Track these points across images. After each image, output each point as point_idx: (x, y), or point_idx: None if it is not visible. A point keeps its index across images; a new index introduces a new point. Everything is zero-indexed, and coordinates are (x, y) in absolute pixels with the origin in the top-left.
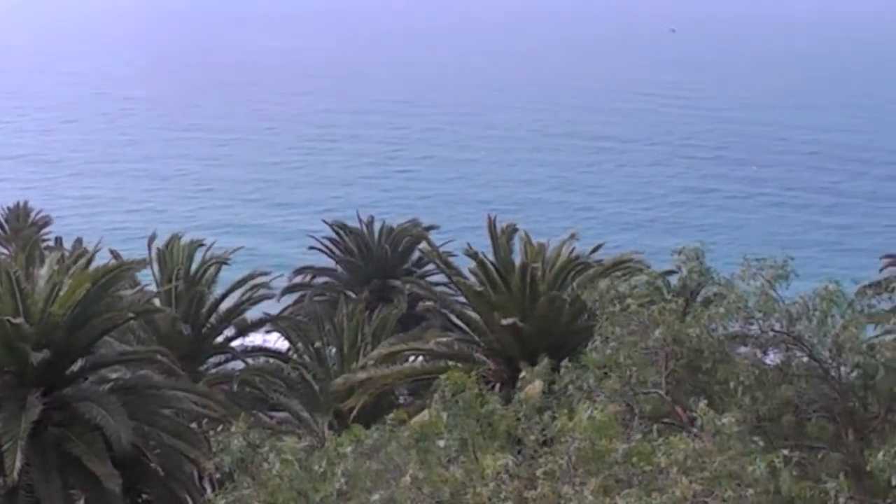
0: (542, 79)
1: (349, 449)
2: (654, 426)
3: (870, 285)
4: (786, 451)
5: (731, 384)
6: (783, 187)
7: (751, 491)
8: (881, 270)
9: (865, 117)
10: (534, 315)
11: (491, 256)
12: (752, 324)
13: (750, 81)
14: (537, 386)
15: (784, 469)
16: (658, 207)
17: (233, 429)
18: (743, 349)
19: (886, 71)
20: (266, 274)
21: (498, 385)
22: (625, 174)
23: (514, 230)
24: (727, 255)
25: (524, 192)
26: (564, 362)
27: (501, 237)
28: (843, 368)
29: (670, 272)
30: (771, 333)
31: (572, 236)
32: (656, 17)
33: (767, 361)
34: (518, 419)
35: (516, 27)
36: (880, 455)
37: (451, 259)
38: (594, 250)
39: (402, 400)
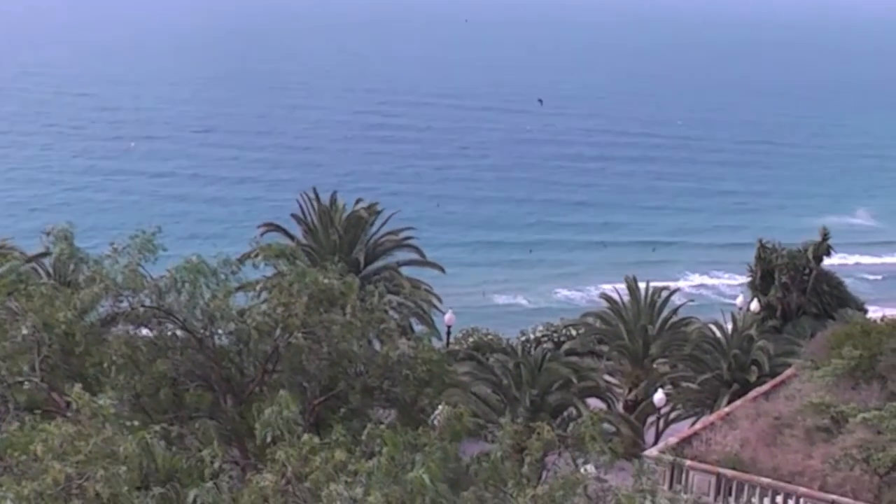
0: None
1: None
2: (29, 416)
3: (244, 256)
4: (161, 426)
5: (105, 364)
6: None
7: (124, 468)
8: (260, 237)
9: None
10: None
11: None
12: (122, 301)
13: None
14: None
15: (156, 443)
16: (39, 188)
17: None
18: (118, 328)
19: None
20: None
21: None
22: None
23: None
24: (108, 231)
25: None
26: None
27: None
28: (216, 337)
29: (45, 254)
30: (142, 309)
31: None
32: None
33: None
34: None
35: None
36: (267, 412)
37: None
38: None
39: None
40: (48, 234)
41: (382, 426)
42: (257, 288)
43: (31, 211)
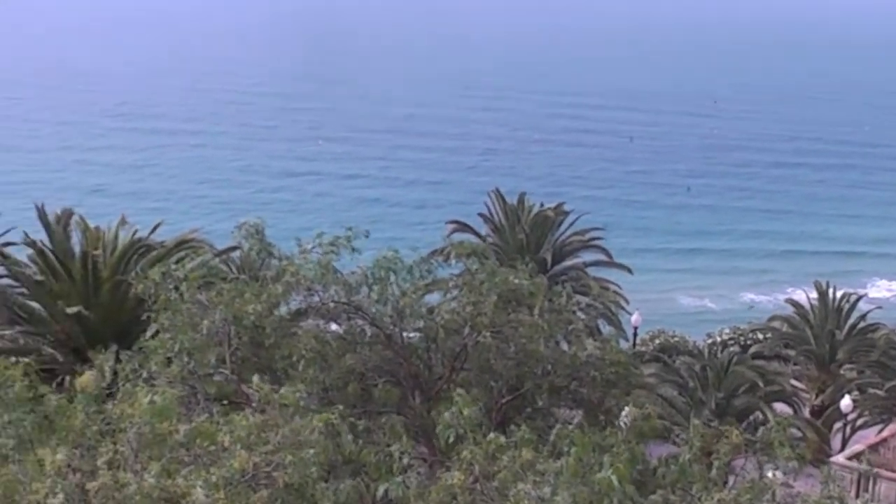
0: (84, 60)
1: None
2: (217, 406)
3: (433, 252)
4: (341, 409)
5: (294, 358)
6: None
7: (311, 451)
8: (448, 236)
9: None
10: (98, 303)
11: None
12: (313, 296)
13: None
14: (89, 375)
15: (342, 427)
16: (234, 187)
17: None
18: (307, 322)
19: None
20: None
21: (68, 378)
22: (190, 157)
23: (70, 215)
24: (302, 232)
25: (85, 179)
26: (136, 348)
27: (57, 224)
28: (405, 334)
29: (234, 248)
30: (332, 304)
31: (123, 220)
32: None
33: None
34: (77, 411)
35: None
36: (446, 415)
37: (10, 249)
38: (153, 230)
39: None
40: (240, 227)
41: (570, 427)
42: (449, 285)
43: (229, 211)
